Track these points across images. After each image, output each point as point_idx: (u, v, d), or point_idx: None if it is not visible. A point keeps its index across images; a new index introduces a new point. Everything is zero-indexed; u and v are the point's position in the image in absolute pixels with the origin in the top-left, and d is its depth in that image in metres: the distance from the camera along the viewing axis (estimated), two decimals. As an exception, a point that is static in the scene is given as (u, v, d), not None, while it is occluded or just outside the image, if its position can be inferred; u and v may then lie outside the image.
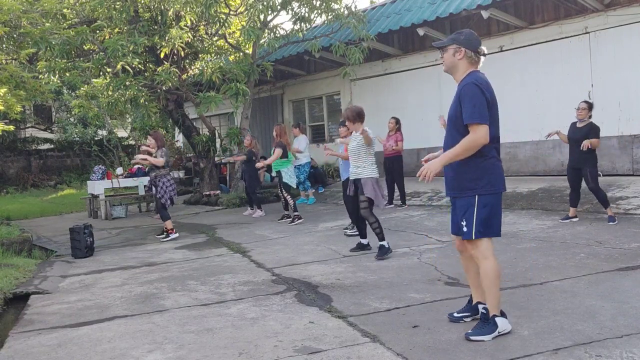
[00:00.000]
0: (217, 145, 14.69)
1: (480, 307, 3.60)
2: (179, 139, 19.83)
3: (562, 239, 6.24)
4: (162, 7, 11.49)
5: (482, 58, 3.49)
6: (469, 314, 3.71)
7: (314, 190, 12.41)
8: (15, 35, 9.99)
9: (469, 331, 3.41)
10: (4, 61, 10.96)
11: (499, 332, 3.37)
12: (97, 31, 11.74)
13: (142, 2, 11.80)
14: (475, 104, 3.29)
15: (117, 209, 12.41)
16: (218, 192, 13.64)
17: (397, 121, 10.31)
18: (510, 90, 10.59)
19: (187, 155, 18.35)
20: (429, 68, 12.48)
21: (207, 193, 13.57)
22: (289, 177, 9.53)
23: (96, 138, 25.13)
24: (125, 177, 13.14)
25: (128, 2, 11.22)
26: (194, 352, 3.56)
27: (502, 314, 3.45)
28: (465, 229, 3.40)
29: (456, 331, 3.56)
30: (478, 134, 3.28)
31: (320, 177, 13.61)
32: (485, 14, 10.23)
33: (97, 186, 12.54)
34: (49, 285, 5.88)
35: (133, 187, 13.24)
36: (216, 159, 14.72)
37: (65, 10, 11.22)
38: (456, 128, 3.42)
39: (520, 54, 10.76)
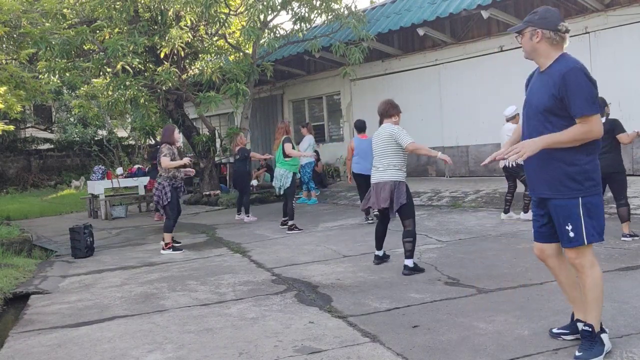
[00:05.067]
0: (217, 145, 14.69)
1: (580, 325, 3.14)
2: (179, 139, 19.82)
3: (562, 239, 6.23)
4: (162, 7, 11.48)
5: (566, 36, 3.08)
6: (568, 331, 3.28)
7: (318, 193, 12.38)
8: (15, 35, 9.98)
9: (578, 354, 2.97)
10: (4, 61, 10.95)
11: (606, 351, 3.01)
12: (97, 31, 11.74)
13: (142, 2, 11.80)
14: (588, 93, 2.93)
15: (117, 209, 12.40)
16: (218, 192, 13.64)
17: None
18: (510, 90, 10.57)
19: (187, 155, 18.34)
20: (429, 68, 12.48)
21: (207, 193, 13.57)
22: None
23: (96, 138, 25.13)
24: (125, 177, 13.14)
25: (128, 2, 11.21)
26: (194, 352, 3.56)
27: (602, 329, 3.08)
28: (572, 234, 3.01)
29: (456, 331, 3.56)
30: (593, 125, 2.93)
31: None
32: (485, 14, 10.23)
33: (97, 186, 12.54)
34: (49, 285, 5.88)
35: (133, 187, 13.24)
36: (216, 159, 14.72)
37: (65, 10, 11.21)
38: (549, 120, 3.03)
39: (521, 54, 10.53)
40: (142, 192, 12.78)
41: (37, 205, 15.94)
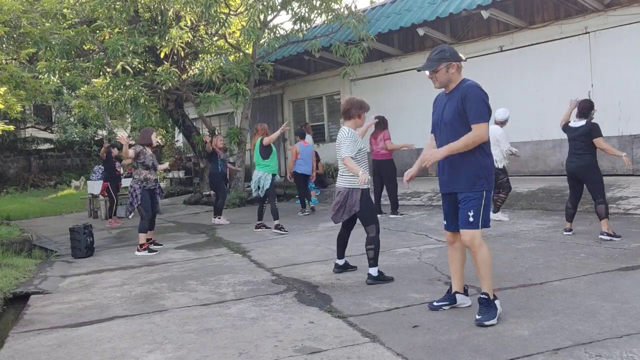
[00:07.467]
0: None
1: (458, 294, 4.00)
2: (179, 139, 19.84)
3: (562, 239, 6.24)
4: (162, 7, 11.48)
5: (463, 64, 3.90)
6: (447, 302, 3.98)
7: (318, 193, 12.34)
8: (15, 35, 9.99)
9: (478, 317, 3.64)
10: (4, 61, 10.95)
11: (498, 314, 3.66)
12: (97, 31, 11.73)
13: (142, 2, 11.80)
14: (481, 106, 3.67)
15: (117, 208, 12.37)
16: (218, 192, 13.62)
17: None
18: (510, 90, 10.59)
19: (187, 155, 18.36)
20: (429, 68, 12.46)
21: (207, 193, 13.56)
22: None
23: (96, 138, 25.13)
24: (125, 177, 13.13)
25: (128, 2, 11.21)
26: (194, 352, 3.56)
27: (494, 296, 3.74)
28: (471, 219, 3.68)
29: (456, 331, 3.56)
30: (482, 131, 3.63)
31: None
32: (485, 14, 10.23)
33: (97, 186, 12.53)
34: (49, 285, 5.88)
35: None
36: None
37: (65, 10, 11.20)
38: (455, 128, 3.74)
39: (520, 54, 10.75)
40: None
41: (37, 205, 15.96)
